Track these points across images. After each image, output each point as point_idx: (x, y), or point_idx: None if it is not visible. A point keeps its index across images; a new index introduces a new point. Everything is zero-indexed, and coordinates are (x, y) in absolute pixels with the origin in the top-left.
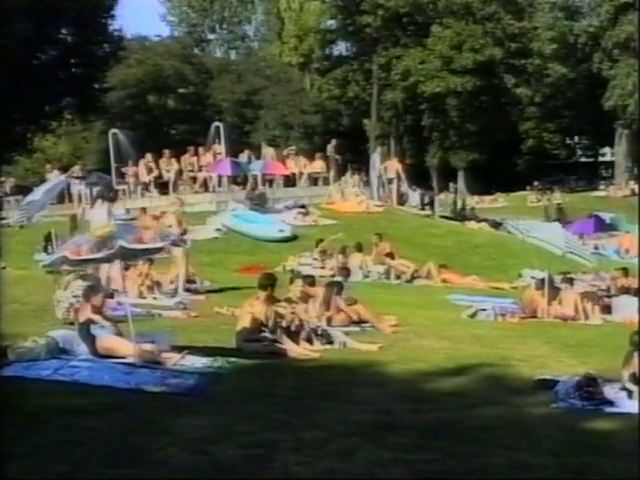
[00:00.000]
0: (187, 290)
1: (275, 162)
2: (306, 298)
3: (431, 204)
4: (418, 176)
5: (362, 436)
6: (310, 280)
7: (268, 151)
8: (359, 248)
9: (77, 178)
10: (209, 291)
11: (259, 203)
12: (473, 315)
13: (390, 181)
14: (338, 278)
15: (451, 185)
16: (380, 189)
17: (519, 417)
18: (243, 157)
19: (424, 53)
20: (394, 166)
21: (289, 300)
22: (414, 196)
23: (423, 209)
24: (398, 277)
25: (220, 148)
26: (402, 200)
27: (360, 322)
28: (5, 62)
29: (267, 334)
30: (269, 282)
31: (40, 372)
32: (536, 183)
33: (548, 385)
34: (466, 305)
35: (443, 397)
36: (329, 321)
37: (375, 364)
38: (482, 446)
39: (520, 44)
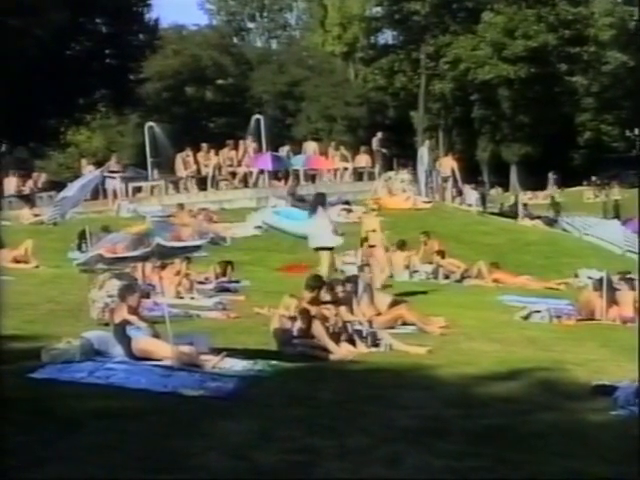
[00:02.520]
0: (222, 290)
1: (318, 156)
2: (351, 298)
3: (482, 200)
4: (468, 171)
5: (409, 442)
6: (354, 280)
7: (310, 145)
8: (401, 246)
9: (114, 172)
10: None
11: (301, 199)
12: (526, 317)
13: (445, 179)
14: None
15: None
16: (428, 184)
17: (575, 424)
18: (283, 152)
19: (474, 40)
20: (449, 163)
21: (334, 300)
22: (471, 194)
23: (485, 209)
24: (447, 277)
25: (252, 143)
26: (456, 198)
27: (406, 324)
28: (38, 53)
29: (311, 336)
30: (317, 284)
31: (74, 375)
32: (593, 178)
33: (606, 391)
34: (519, 306)
35: (494, 402)
36: (371, 323)
37: (423, 367)
38: (535, 454)
39: (575, 30)
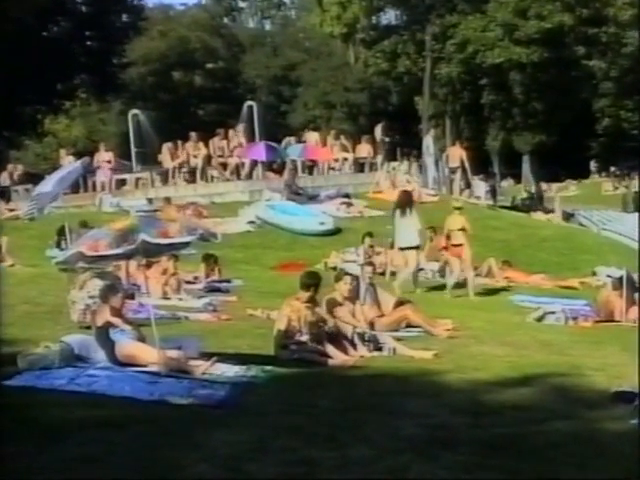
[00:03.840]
0: (212, 290)
1: (316, 146)
2: (353, 299)
3: (492, 193)
4: (477, 161)
5: (415, 453)
6: (356, 279)
7: (312, 136)
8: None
9: (107, 163)
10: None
11: (298, 192)
12: (540, 318)
13: (453, 170)
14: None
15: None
16: (435, 176)
17: (593, 433)
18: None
19: (484, 21)
20: (457, 153)
21: (333, 301)
22: (480, 186)
23: (496, 202)
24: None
25: (242, 133)
26: (465, 191)
27: (411, 326)
28: (13, 35)
29: (308, 339)
30: (313, 281)
31: (54, 382)
32: (612, 169)
33: (626, 398)
34: (532, 307)
35: (506, 410)
36: (373, 325)
37: (429, 373)
38: (549, 465)
39: (593, 10)
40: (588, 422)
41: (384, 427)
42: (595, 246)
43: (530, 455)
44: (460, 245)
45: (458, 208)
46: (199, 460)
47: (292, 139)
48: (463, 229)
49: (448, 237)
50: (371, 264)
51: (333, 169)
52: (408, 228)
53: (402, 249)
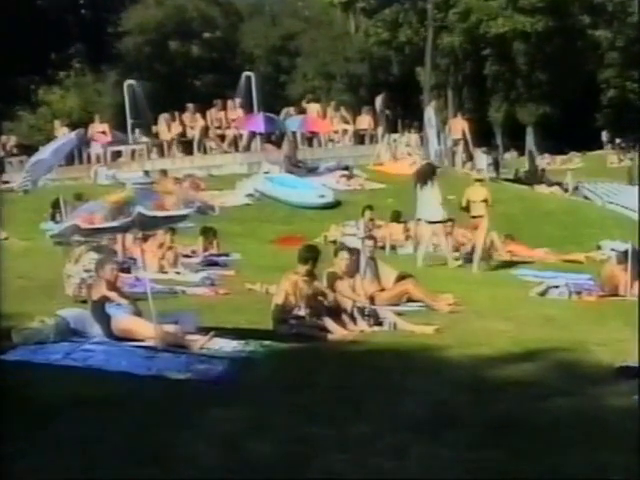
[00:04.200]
0: (210, 264)
1: (315, 118)
2: (352, 273)
3: (495, 165)
4: (480, 133)
5: (416, 431)
6: (357, 253)
7: (312, 108)
8: (396, 218)
9: (102, 134)
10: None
11: (297, 165)
12: (543, 293)
13: (455, 142)
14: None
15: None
16: (436, 148)
17: (597, 410)
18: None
19: None
20: (459, 124)
21: (333, 275)
22: (481, 158)
23: (499, 175)
24: (456, 250)
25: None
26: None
27: (412, 301)
28: (6, 4)
29: (307, 314)
30: (311, 255)
31: (49, 356)
32: (618, 140)
33: (631, 373)
34: (535, 282)
35: (509, 387)
36: (373, 299)
37: (430, 349)
38: (554, 443)
39: None
40: (591, 398)
41: (384, 404)
42: (599, 219)
43: (533, 432)
44: (480, 217)
45: (479, 180)
46: (196, 438)
47: (291, 109)
48: (485, 200)
49: (467, 208)
50: (372, 238)
51: (333, 141)
52: (430, 201)
53: (419, 220)
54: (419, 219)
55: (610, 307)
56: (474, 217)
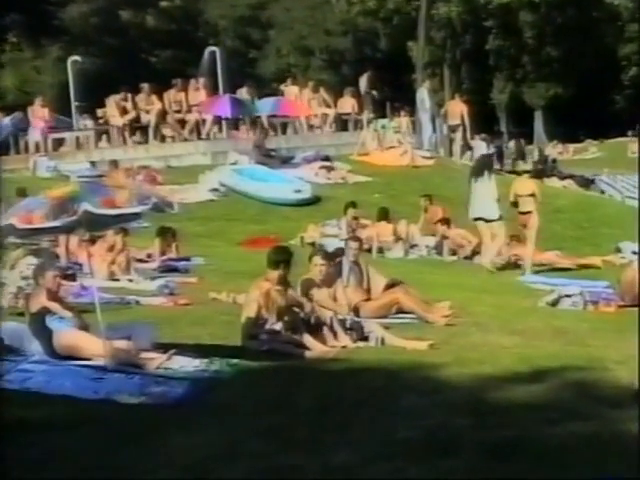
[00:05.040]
0: (169, 270)
1: (291, 100)
2: (331, 280)
3: (498, 156)
4: (481, 118)
5: (409, 459)
6: (339, 256)
7: (291, 90)
8: (384, 216)
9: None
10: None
11: (269, 154)
12: (555, 302)
13: (453, 129)
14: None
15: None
16: (431, 135)
17: (614, 435)
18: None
19: None
20: (457, 108)
21: (308, 282)
22: (480, 147)
23: (503, 166)
24: (454, 252)
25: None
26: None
27: (403, 311)
28: None
29: (281, 328)
30: (283, 258)
31: None
32: None
33: None
34: (545, 289)
35: (515, 410)
36: (358, 310)
37: (424, 367)
38: (565, 471)
39: None
40: (610, 423)
41: (372, 429)
42: (619, 218)
43: (542, 461)
44: (529, 213)
45: (527, 171)
46: (156, 467)
47: (244, 90)
48: (533, 195)
49: (515, 204)
50: (356, 239)
51: (311, 127)
52: (484, 197)
53: (476, 220)
54: (475, 218)
55: (631, 319)
56: (522, 213)
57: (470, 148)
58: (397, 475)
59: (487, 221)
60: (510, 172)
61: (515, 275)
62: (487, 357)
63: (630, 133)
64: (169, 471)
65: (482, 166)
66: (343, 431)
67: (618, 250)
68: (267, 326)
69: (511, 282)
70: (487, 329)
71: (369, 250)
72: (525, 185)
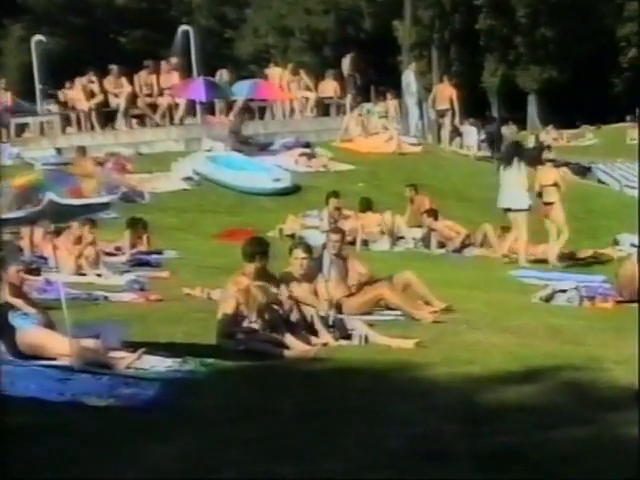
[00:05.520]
0: (139, 264)
1: (269, 83)
2: (312, 274)
3: (490, 142)
4: (472, 102)
5: (395, 468)
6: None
7: (274, 73)
8: (366, 207)
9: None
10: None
11: (246, 141)
12: (549, 298)
13: (441, 113)
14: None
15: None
16: (418, 121)
17: (614, 440)
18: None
19: None
20: (446, 92)
21: (288, 277)
22: (470, 133)
23: (493, 152)
24: (442, 245)
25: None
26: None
27: (389, 308)
28: None
29: (260, 326)
30: (258, 249)
31: None
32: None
33: None
34: (539, 285)
35: (507, 414)
36: (340, 307)
37: (410, 367)
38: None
39: None
40: (608, 426)
41: (358, 437)
42: (617, 208)
43: (536, 469)
44: (552, 203)
45: (551, 160)
46: (122, 477)
47: (224, 72)
48: (555, 185)
49: (540, 194)
50: (338, 231)
51: (291, 112)
52: (513, 186)
53: (505, 211)
54: (505, 209)
55: (630, 316)
56: (546, 204)
57: (460, 134)
58: None
59: (516, 211)
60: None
61: (507, 270)
62: (478, 357)
63: (629, 118)
64: None
65: (511, 154)
66: (324, 439)
67: (616, 243)
68: (245, 324)
69: (503, 277)
70: (477, 327)
71: (353, 242)
72: (548, 174)
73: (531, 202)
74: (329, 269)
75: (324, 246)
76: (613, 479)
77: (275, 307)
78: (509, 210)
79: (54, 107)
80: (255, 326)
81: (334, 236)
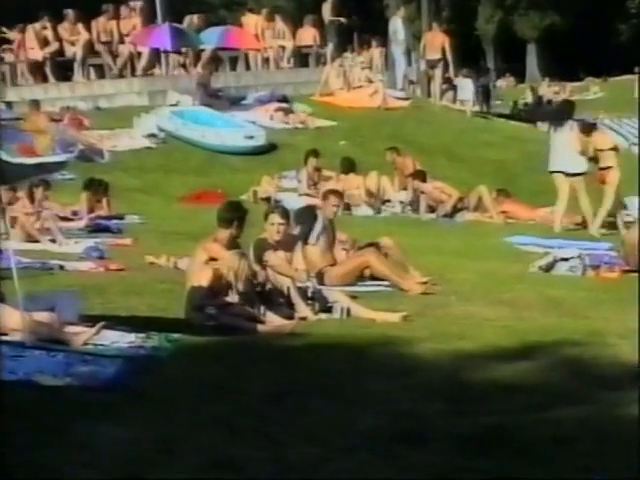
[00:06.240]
0: (98, 230)
1: (241, 30)
2: (290, 242)
3: (485, 96)
4: (465, 52)
5: (374, 452)
6: (303, 215)
7: (250, 20)
8: (349, 167)
9: None
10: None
11: (216, 94)
12: (549, 267)
13: (432, 64)
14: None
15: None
16: (405, 72)
17: (615, 421)
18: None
19: None
20: (438, 40)
21: (262, 244)
22: (465, 86)
23: (488, 108)
24: (432, 210)
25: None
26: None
27: (372, 278)
28: None
29: (234, 298)
30: (235, 215)
31: None
32: None
33: None
34: (538, 252)
35: (499, 393)
36: (321, 277)
37: (396, 342)
38: (556, 466)
39: None
40: (609, 406)
41: (333, 417)
42: (624, 168)
43: (530, 453)
44: (609, 168)
45: (511, 115)
46: (81, 463)
47: (195, 17)
48: (614, 149)
49: (595, 158)
50: (338, 193)
51: (266, 62)
52: (565, 148)
53: (554, 173)
54: (554, 171)
55: (635, 287)
56: (602, 169)
57: (453, 87)
58: (360, 471)
59: (568, 175)
60: (504, 115)
61: (503, 236)
62: (468, 331)
63: (637, 70)
64: (96, 468)
65: (562, 113)
66: (298, 420)
67: (624, 207)
68: (216, 296)
69: (498, 244)
70: (469, 299)
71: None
72: (606, 139)
73: (582, 167)
74: (319, 236)
75: (306, 210)
76: (611, 463)
77: (250, 278)
78: (562, 173)
79: (3, 56)
80: (228, 299)
81: (334, 199)
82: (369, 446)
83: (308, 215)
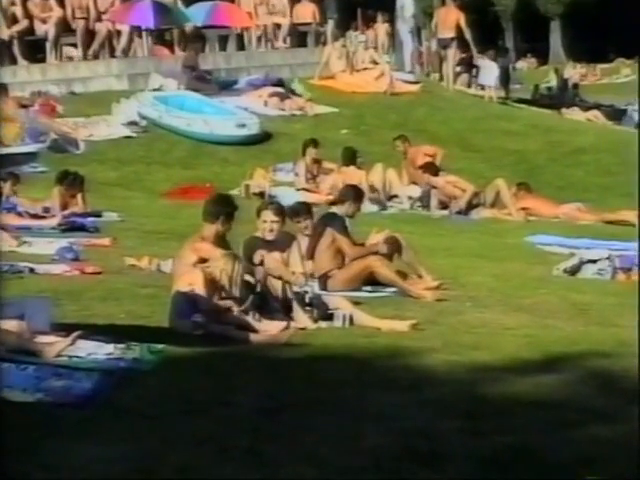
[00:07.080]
0: (73, 228)
1: (232, 6)
2: (287, 242)
3: (504, 79)
4: (482, 30)
5: (382, 472)
6: (295, 210)
7: None
8: (350, 159)
9: None
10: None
11: (204, 77)
12: (574, 270)
13: (445, 44)
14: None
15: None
16: (414, 52)
17: None
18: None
19: None
20: (452, 17)
21: (253, 243)
22: (489, 70)
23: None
24: (445, 206)
25: None
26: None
27: (378, 283)
28: None
29: (223, 304)
30: (222, 209)
31: None
32: None
33: None
34: (562, 253)
35: (519, 409)
36: (324, 281)
37: (404, 354)
38: None
39: None
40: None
41: (335, 435)
42: None
43: (555, 475)
44: None
45: (532, 101)
46: None
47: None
48: None
49: None
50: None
51: (259, 41)
52: None
53: None
54: None
55: None
56: None
57: (469, 69)
58: None
59: None
60: (524, 101)
61: (522, 235)
62: (485, 341)
63: None
64: None
65: None
66: (298, 437)
67: None
68: (206, 302)
69: (517, 244)
70: (485, 305)
71: (334, 202)
72: None
73: None
74: (325, 236)
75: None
76: None
77: (244, 282)
78: None
79: None
80: (219, 305)
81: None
82: (375, 465)
83: (303, 213)
